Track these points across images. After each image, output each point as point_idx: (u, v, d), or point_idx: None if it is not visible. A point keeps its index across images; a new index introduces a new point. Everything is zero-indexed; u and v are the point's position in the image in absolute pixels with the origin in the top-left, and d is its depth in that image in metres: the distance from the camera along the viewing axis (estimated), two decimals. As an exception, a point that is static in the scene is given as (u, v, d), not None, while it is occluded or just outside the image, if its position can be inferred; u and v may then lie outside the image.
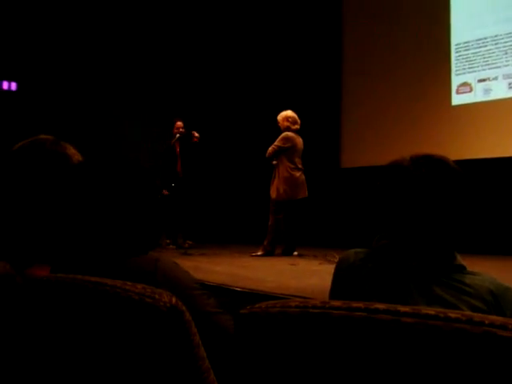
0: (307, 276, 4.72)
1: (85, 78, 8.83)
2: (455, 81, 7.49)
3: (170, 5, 9.43)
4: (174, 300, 0.95)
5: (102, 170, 1.39)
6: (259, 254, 6.53)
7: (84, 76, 8.82)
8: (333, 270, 1.57)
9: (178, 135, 7.78)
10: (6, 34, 8.36)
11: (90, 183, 1.36)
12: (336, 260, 5.26)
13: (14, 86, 8.67)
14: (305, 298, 2.93)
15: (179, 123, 7.87)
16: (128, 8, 9.12)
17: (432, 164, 1.35)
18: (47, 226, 1.46)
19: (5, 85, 8.61)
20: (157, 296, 0.95)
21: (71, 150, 1.58)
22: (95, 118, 8.77)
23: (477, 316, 0.77)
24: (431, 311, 0.79)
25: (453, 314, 0.77)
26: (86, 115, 8.68)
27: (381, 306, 0.81)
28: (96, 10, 8.88)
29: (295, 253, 6.61)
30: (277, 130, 6.76)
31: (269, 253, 6.54)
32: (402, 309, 0.80)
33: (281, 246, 6.72)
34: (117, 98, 9.09)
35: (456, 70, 7.48)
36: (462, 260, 1.37)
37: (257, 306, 0.90)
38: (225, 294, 3.78)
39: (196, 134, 7.70)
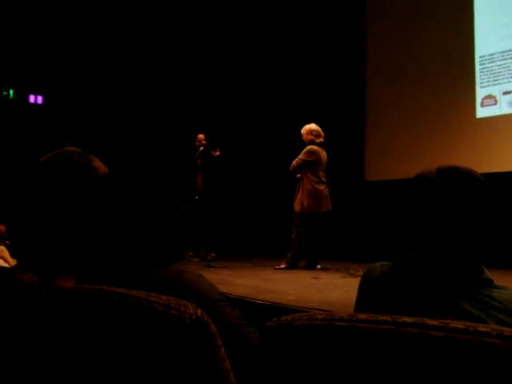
0: (330, 289, 4.70)
1: (109, 92, 8.92)
2: (480, 93, 7.43)
3: (193, 22, 9.51)
4: (199, 312, 0.95)
5: (128, 182, 1.40)
6: (282, 266, 6.52)
7: (109, 89, 8.92)
8: (356, 284, 1.56)
9: (201, 148, 7.82)
10: (32, 49, 8.49)
11: (115, 195, 1.37)
12: (359, 274, 5.25)
13: (40, 99, 8.80)
14: (328, 311, 2.91)
15: (200, 136, 7.91)
16: (154, 25, 9.22)
17: (459, 176, 1.34)
18: (73, 238, 1.47)
19: (31, 98, 8.74)
20: (182, 308, 0.95)
21: (97, 163, 1.59)
22: (120, 130, 8.85)
23: (507, 330, 0.75)
24: (460, 325, 0.77)
25: (482, 328, 0.76)
26: (111, 128, 8.76)
27: (408, 320, 0.80)
28: (122, 27, 8.99)
29: (318, 266, 6.59)
30: (301, 143, 6.76)
31: (292, 266, 6.53)
32: (430, 322, 0.79)
33: (304, 259, 6.70)
34: (141, 110, 9.17)
35: (480, 83, 7.43)
36: (489, 274, 1.34)
37: (283, 318, 0.90)
38: (247, 307, 3.78)
39: (216, 153, 7.73)
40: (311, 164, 6.59)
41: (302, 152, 6.66)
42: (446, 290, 1.29)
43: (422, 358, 0.78)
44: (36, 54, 8.54)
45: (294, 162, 6.67)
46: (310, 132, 6.73)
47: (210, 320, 0.96)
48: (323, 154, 6.72)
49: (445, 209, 1.31)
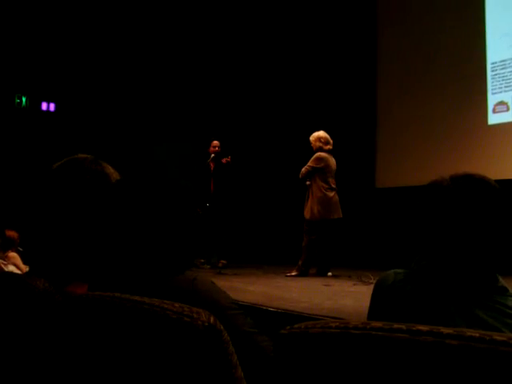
0: (341, 297, 4.68)
1: (122, 99, 8.96)
2: (492, 100, 7.40)
3: (205, 30, 9.55)
4: (212, 319, 0.94)
5: (140, 188, 1.40)
6: (293, 274, 6.50)
7: (121, 96, 8.95)
8: (368, 291, 1.55)
9: (212, 155, 7.84)
10: (45, 57, 8.55)
11: (128, 202, 1.37)
12: (371, 281, 5.20)
13: (52, 106, 8.85)
14: (340, 318, 2.90)
15: (215, 142, 7.94)
16: (165, 31, 9.26)
17: (472, 183, 1.33)
18: (86, 245, 1.48)
19: (44, 106, 8.80)
20: (195, 315, 0.94)
21: (109, 169, 1.59)
22: (132, 137, 8.88)
23: (524, 339, 0.74)
24: (475, 333, 0.76)
25: (499, 337, 0.75)
26: (122, 134, 8.79)
27: (423, 328, 0.79)
28: (137, 37, 9.04)
29: (329, 273, 6.56)
30: (310, 150, 6.76)
31: (303, 273, 6.51)
32: (446, 331, 0.78)
33: (315, 266, 6.68)
34: (153, 117, 9.20)
35: (492, 89, 7.39)
36: (504, 282, 1.33)
37: (296, 326, 0.89)
38: (259, 314, 3.77)
39: (224, 161, 7.76)
40: (320, 171, 6.58)
41: (311, 159, 6.66)
42: (461, 298, 1.28)
43: (438, 367, 0.77)
44: (48, 61, 8.59)
45: (303, 169, 6.67)
46: (319, 139, 6.73)
47: (222, 327, 0.95)
48: (332, 161, 6.71)
49: (459, 216, 1.30)
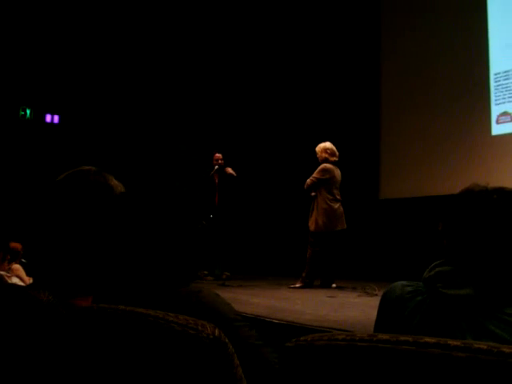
0: (346, 308, 4.66)
1: (125, 111, 8.99)
2: (495, 110, 7.39)
3: (209, 40, 9.59)
4: (216, 332, 0.94)
5: (145, 201, 1.40)
6: (297, 286, 6.48)
7: (124, 108, 8.98)
8: (372, 303, 1.56)
9: (216, 167, 7.85)
10: (49, 69, 8.59)
11: (133, 214, 1.37)
12: (375, 292, 5.15)
13: (56, 118, 8.89)
14: (344, 330, 2.88)
15: (218, 155, 7.96)
16: (168, 43, 9.30)
17: (503, 193, 1.36)
18: (90, 257, 1.47)
19: (48, 118, 8.84)
20: (200, 327, 0.94)
21: (114, 181, 1.59)
22: (136, 149, 8.90)
23: (532, 351, 0.74)
24: (483, 345, 0.76)
25: (507, 349, 0.74)
26: (126, 146, 8.81)
27: (430, 340, 0.78)
28: (136, 46, 9.08)
29: (334, 285, 6.55)
30: (315, 161, 6.75)
31: (307, 285, 6.49)
32: (453, 343, 0.77)
33: (319, 278, 6.66)
34: (157, 129, 9.22)
35: (496, 100, 7.39)
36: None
37: (302, 338, 0.89)
38: (263, 326, 3.75)
39: (229, 171, 7.77)
40: (326, 182, 6.57)
41: (316, 170, 6.65)
42: (470, 309, 1.27)
43: (445, 380, 0.76)
44: (53, 74, 8.63)
45: (309, 180, 6.66)
46: (325, 150, 6.72)
47: (227, 340, 0.95)
48: (337, 173, 6.70)
49: (487, 222, 1.33)
